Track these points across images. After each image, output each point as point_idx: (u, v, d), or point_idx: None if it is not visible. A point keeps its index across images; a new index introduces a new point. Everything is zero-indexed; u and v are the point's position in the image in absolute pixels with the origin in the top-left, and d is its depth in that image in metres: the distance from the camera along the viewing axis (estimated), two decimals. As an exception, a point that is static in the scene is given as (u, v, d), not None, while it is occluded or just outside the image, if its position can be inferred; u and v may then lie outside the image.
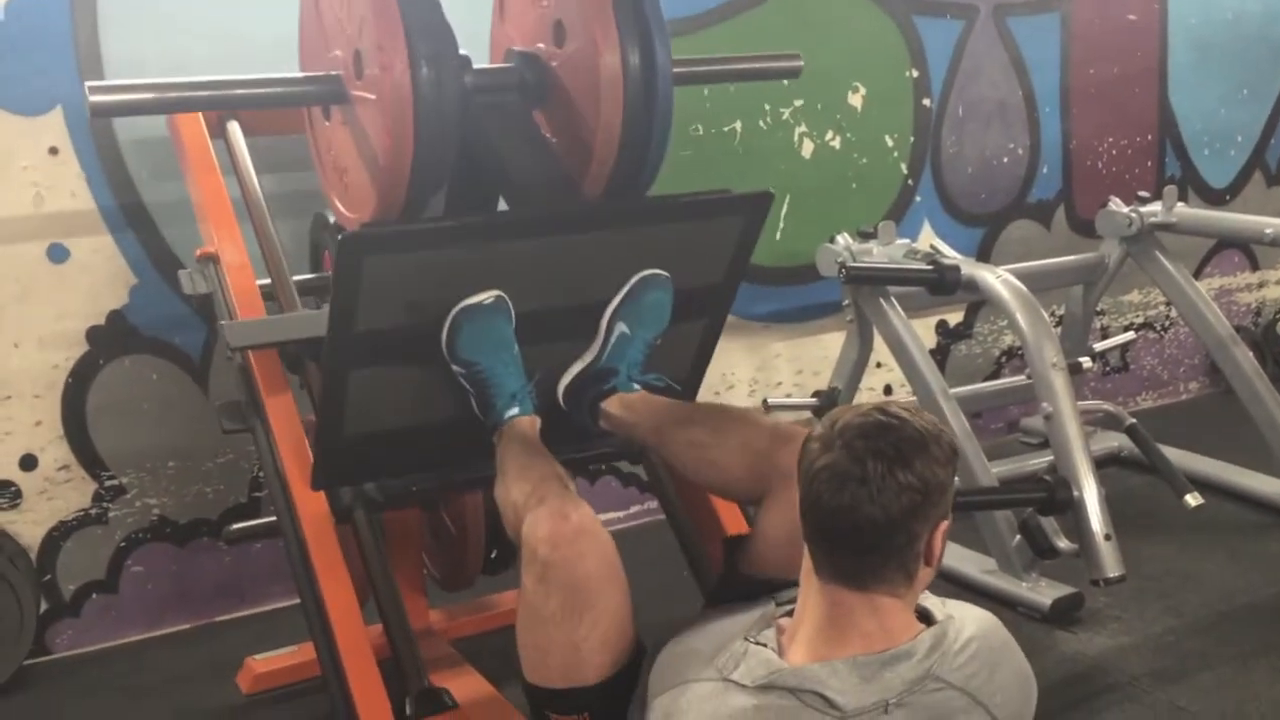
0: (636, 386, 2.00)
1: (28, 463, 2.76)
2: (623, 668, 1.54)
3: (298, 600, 2.02)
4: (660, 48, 1.86)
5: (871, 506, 1.30)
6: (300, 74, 2.07)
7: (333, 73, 1.94)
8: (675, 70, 1.92)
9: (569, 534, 1.51)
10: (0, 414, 2.72)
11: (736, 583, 1.72)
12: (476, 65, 2.01)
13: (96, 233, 2.76)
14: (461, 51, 1.90)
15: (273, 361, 2.16)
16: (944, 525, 1.37)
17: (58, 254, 2.73)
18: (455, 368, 1.91)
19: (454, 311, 1.87)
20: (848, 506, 1.31)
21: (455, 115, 1.83)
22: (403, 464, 2.09)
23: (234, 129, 2.47)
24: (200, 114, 2.41)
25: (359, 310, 1.82)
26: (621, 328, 1.98)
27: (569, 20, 1.94)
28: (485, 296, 1.87)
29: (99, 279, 2.77)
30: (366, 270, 1.78)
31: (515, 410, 1.91)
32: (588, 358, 2.02)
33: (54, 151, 2.70)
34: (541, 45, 2.02)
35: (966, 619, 1.41)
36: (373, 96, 1.82)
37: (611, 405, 1.97)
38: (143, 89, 1.95)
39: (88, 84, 1.84)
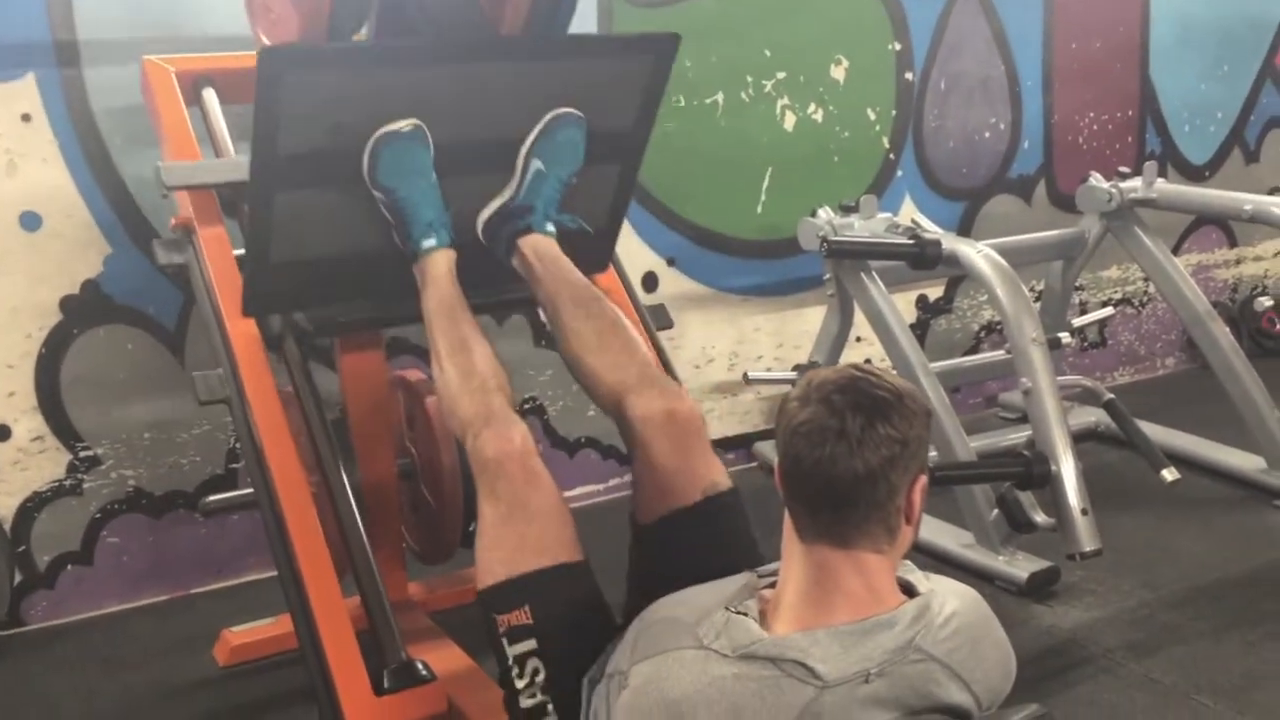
0: (551, 228, 2.07)
1: (1, 433, 2.74)
2: (563, 567, 1.63)
3: (275, 572, 2.00)
4: None
5: (851, 459, 1.31)
6: None
7: None
8: None
9: (513, 453, 1.69)
10: (-28, 384, 2.69)
11: (643, 539, 1.78)
12: None
13: (70, 201, 2.72)
14: None
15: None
16: (922, 480, 1.37)
17: (30, 222, 2.69)
18: (376, 194, 1.99)
19: (374, 137, 1.94)
20: (828, 459, 1.32)
21: None
22: (331, 294, 2.17)
23: (209, 95, 2.44)
24: (174, 80, 2.39)
25: (280, 130, 1.88)
26: (537, 164, 2.06)
27: None
28: (404, 124, 1.95)
29: (72, 248, 2.74)
30: (287, 87, 1.84)
31: (432, 241, 1.99)
32: (506, 194, 2.09)
33: (26, 118, 2.66)
34: None
35: (950, 593, 1.42)
36: None
37: (526, 246, 2.05)
38: None
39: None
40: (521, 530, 1.64)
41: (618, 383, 1.85)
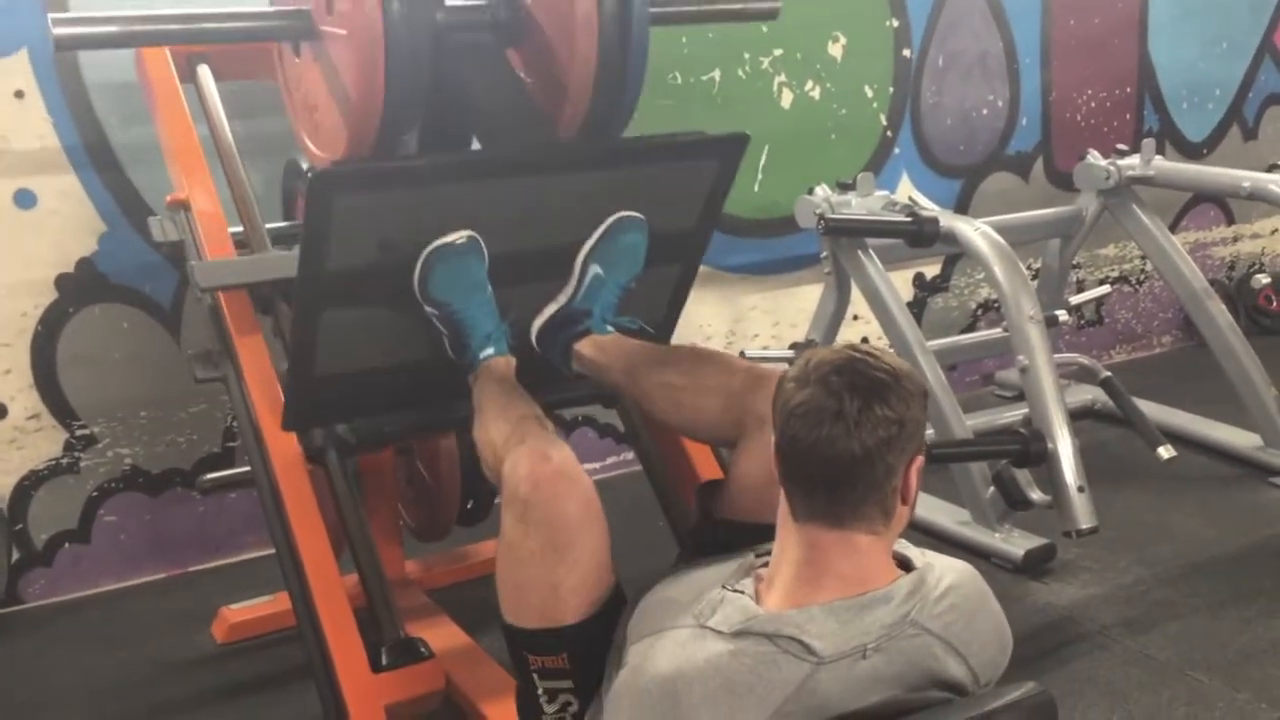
0: (610, 329, 1.99)
1: (-3, 412, 2.74)
2: (601, 611, 1.55)
3: (272, 550, 2.01)
4: None
5: (848, 440, 1.30)
6: (270, 9, 2.04)
7: (303, 8, 1.91)
8: (651, 10, 1.91)
9: (549, 474, 1.53)
10: (-32, 362, 2.69)
11: (713, 529, 1.72)
12: (449, 2, 1.99)
13: (65, 178, 2.71)
14: None
15: (244, 307, 2.14)
16: (919, 461, 1.37)
17: (25, 200, 2.68)
18: (428, 309, 1.90)
19: (426, 251, 1.85)
20: (825, 440, 1.31)
21: (426, 52, 1.81)
22: (375, 405, 2.09)
23: (204, 72, 2.42)
24: (169, 57, 2.37)
25: (330, 249, 1.80)
26: (596, 269, 1.98)
27: None
28: (458, 237, 1.86)
29: (68, 226, 2.73)
30: (337, 208, 1.76)
31: (490, 350, 1.91)
32: (561, 299, 2.01)
33: (19, 95, 2.65)
34: None
35: (945, 568, 1.42)
36: (343, 32, 1.80)
37: (584, 347, 1.97)
38: (108, 22, 1.93)
39: (51, 16, 1.80)
40: (556, 578, 1.51)
41: (727, 394, 1.71)
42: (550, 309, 2.01)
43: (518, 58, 2.04)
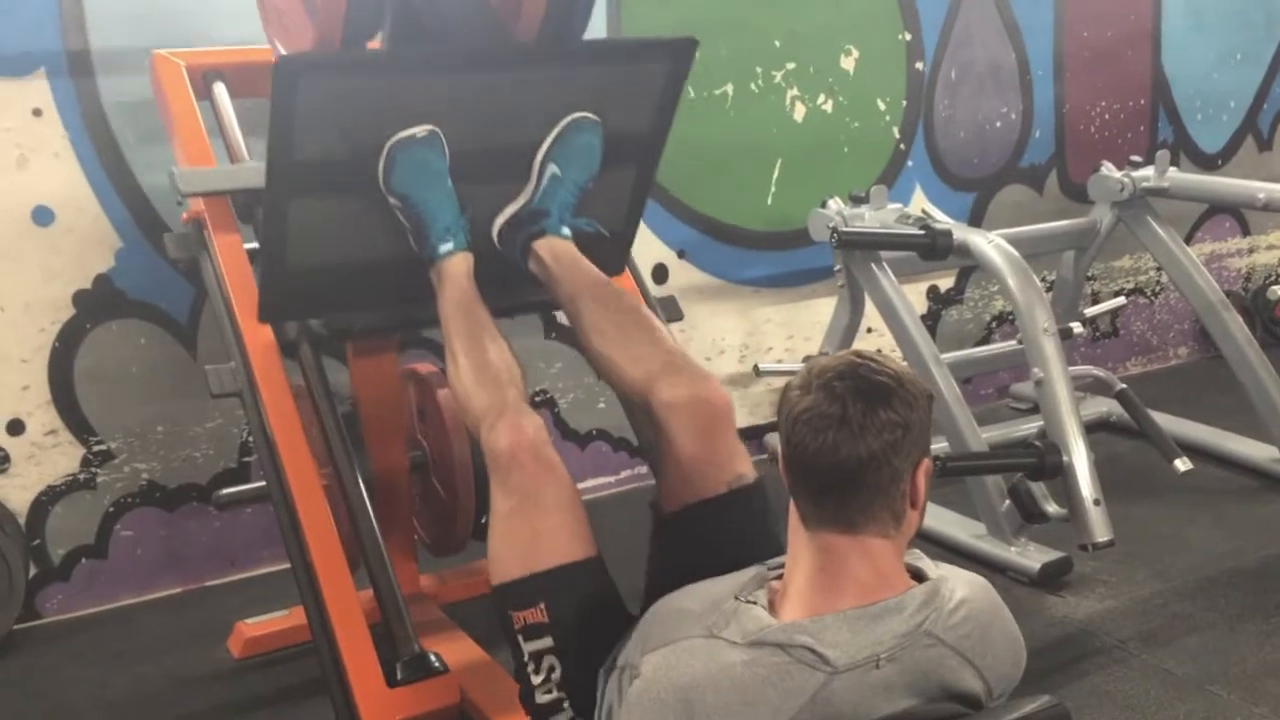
0: (567, 231, 2.06)
1: (15, 427, 2.75)
2: (578, 565, 1.63)
3: (288, 565, 2.01)
4: None
5: (855, 444, 1.31)
6: None
7: None
8: None
9: (526, 444, 1.68)
10: (-13, 378, 2.71)
11: (664, 526, 1.77)
12: None
13: (82, 195, 2.73)
14: None
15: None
16: (925, 464, 1.38)
17: (43, 217, 2.70)
18: (392, 200, 1.97)
19: (389, 144, 1.93)
20: (831, 446, 1.32)
21: None
22: (347, 300, 2.16)
23: (220, 90, 2.44)
24: (185, 74, 2.39)
25: (295, 136, 1.87)
26: (553, 169, 2.05)
27: None
28: (419, 130, 1.93)
29: (85, 242, 2.75)
30: (302, 93, 1.83)
31: (449, 245, 1.98)
32: (521, 199, 2.08)
33: (37, 113, 2.67)
34: None
35: (959, 580, 1.42)
36: None
37: (542, 249, 2.04)
38: None
39: None
40: (535, 525, 1.64)
41: (644, 372, 1.83)
42: (511, 208, 2.09)
43: None
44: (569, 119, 2.04)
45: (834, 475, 1.33)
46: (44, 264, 2.72)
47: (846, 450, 1.31)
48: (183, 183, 2.17)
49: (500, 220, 2.09)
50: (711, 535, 1.69)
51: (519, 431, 1.69)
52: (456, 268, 1.98)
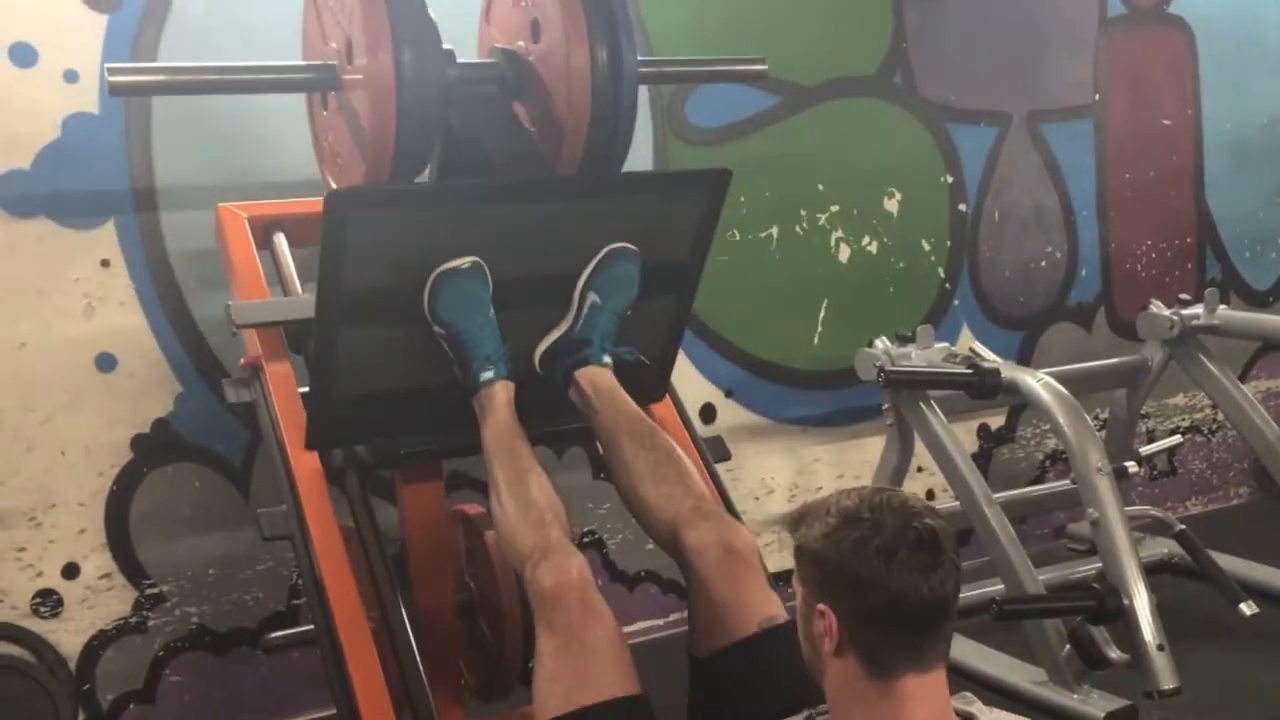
0: (608, 359, 2.09)
1: (70, 571, 2.77)
2: (622, 702, 1.62)
3: (334, 710, 1.99)
4: (626, 43, 2.05)
5: (954, 578, 1.35)
6: (301, 62, 2.26)
7: (329, 62, 2.12)
8: (642, 70, 2.14)
9: (571, 584, 1.70)
10: (45, 522, 2.74)
11: (700, 672, 1.76)
12: (461, 60, 2.20)
13: (144, 342, 2.81)
14: (447, 47, 2.11)
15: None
16: None
17: (106, 363, 2.78)
18: (436, 329, 2.03)
19: (434, 274, 2.00)
20: (939, 584, 1.34)
21: (436, 98, 2.01)
22: (392, 427, 2.20)
23: (280, 240, 2.52)
24: (247, 225, 2.48)
25: (345, 268, 1.94)
26: (593, 298, 2.09)
27: (544, 18, 2.12)
28: (463, 262, 2.00)
29: (145, 387, 2.81)
30: (351, 227, 1.91)
31: (490, 373, 2.03)
32: (563, 326, 2.12)
33: (105, 264, 2.76)
34: (520, 42, 2.20)
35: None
36: (360, 77, 2.00)
37: (582, 378, 2.08)
38: (157, 71, 2.29)
39: (107, 65, 2.07)
40: (578, 664, 1.64)
41: (673, 515, 1.86)
42: (552, 336, 2.13)
43: (523, 111, 2.23)
44: (608, 248, 2.10)
45: (939, 614, 1.34)
46: (105, 409, 2.78)
47: (950, 586, 1.35)
48: (237, 315, 2.23)
49: (542, 348, 2.14)
50: (744, 678, 1.68)
51: (563, 572, 1.71)
52: (498, 397, 2.02)
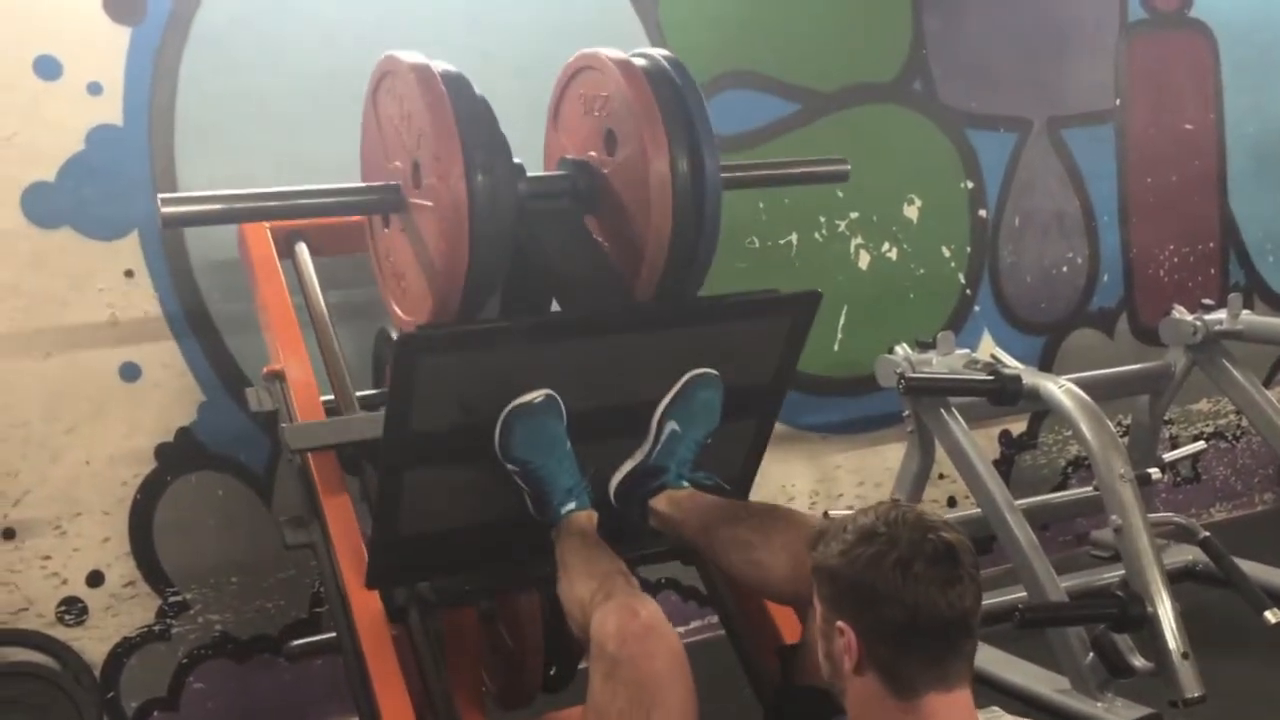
0: (686, 484, 2.01)
1: (95, 579, 2.79)
2: None
3: (356, 718, 2.00)
4: (708, 154, 1.93)
5: (975, 592, 1.34)
6: (363, 184, 2.15)
7: (392, 183, 2.02)
8: (723, 176, 1.99)
9: (638, 630, 1.53)
10: (70, 530, 2.76)
11: (794, 694, 1.70)
12: (531, 173, 2.08)
13: (168, 351, 2.82)
14: (515, 160, 1.98)
15: (333, 468, 2.19)
16: None
17: (130, 373, 2.80)
18: (510, 466, 1.93)
19: (506, 411, 1.90)
20: (959, 598, 1.32)
21: (509, 221, 1.90)
22: (457, 563, 2.11)
23: (301, 249, 2.54)
24: (269, 235, 2.49)
25: (414, 410, 1.85)
26: (672, 426, 2.00)
27: (620, 129, 2.01)
28: (536, 396, 1.90)
29: (169, 397, 2.83)
30: (421, 370, 1.82)
31: (572, 505, 1.93)
32: (639, 456, 2.03)
33: (129, 274, 2.78)
34: (593, 153, 2.09)
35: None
36: (430, 204, 1.89)
37: (660, 503, 1.98)
38: (212, 200, 2.09)
39: (160, 196, 1.95)
40: None
41: (795, 556, 1.67)
42: (628, 465, 2.04)
43: (595, 224, 2.12)
44: (689, 376, 2.00)
45: (959, 629, 1.33)
46: (129, 418, 2.80)
47: (970, 600, 1.33)
48: (293, 439, 2.15)
49: (618, 477, 2.05)
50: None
51: (630, 614, 1.55)
52: (580, 523, 1.92)
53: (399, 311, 2.12)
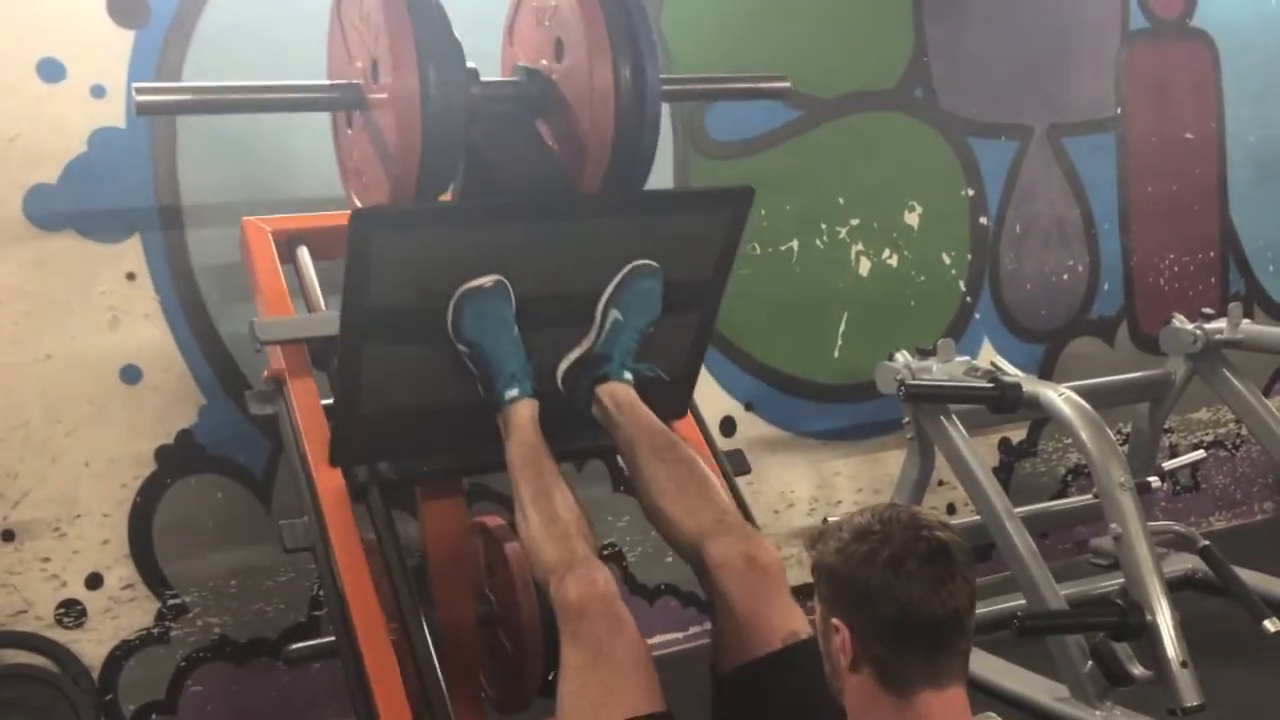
0: (629, 375, 2.10)
1: (93, 581, 2.79)
2: (649, 716, 1.63)
3: (354, 721, 2.00)
4: (649, 60, 2.06)
5: (968, 590, 1.35)
6: (327, 82, 2.27)
7: (354, 81, 2.13)
8: (665, 88, 2.14)
9: (597, 596, 1.72)
10: (70, 533, 2.76)
11: (722, 688, 1.76)
12: (486, 79, 2.21)
13: (168, 354, 2.83)
14: (471, 65, 2.11)
15: (335, 480, 2.19)
16: None
17: (131, 375, 2.80)
18: (461, 347, 2.05)
19: (458, 293, 2.03)
20: (950, 596, 1.33)
21: (459, 114, 2.00)
22: (416, 444, 2.21)
23: (303, 253, 2.55)
24: (271, 239, 2.50)
25: (370, 285, 1.97)
26: (615, 315, 2.11)
27: (568, 37, 2.13)
28: (486, 280, 2.02)
29: (169, 399, 2.84)
30: (375, 246, 1.94)
31: (515, 391, 2.04)
32: (585, 343, 2.14)
33: (131, 277, 2.78)
34: (544, 61, 2.22)
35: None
36: (385, 95, 2.00)
37: (604, 394, 2.09)
38: (183, 90, 2.33)
39: (135, 85, 2.07)
40: (604, 678, 1.65)
41: (695, 528, 1.86)
42: (575, 353, 2.15)
43: (546, 128, 2.24)
44: (630, 266, 2.11)
45: (951, 627, 1.34)
46: (129, 420, 2.80)
47: (963, 599, 1.34)
48: (261, 331, 2.26)
49: (564, 365, 2.16)
50: (768, 694, 1.68)
51: (590, 584, 1.72)
52: (522, 414, 2.03)
53: (359, 202, 2.24)
